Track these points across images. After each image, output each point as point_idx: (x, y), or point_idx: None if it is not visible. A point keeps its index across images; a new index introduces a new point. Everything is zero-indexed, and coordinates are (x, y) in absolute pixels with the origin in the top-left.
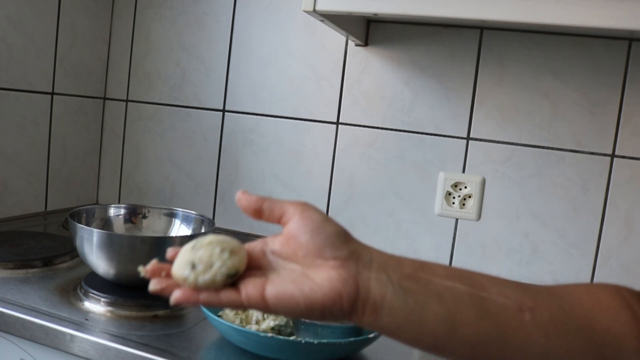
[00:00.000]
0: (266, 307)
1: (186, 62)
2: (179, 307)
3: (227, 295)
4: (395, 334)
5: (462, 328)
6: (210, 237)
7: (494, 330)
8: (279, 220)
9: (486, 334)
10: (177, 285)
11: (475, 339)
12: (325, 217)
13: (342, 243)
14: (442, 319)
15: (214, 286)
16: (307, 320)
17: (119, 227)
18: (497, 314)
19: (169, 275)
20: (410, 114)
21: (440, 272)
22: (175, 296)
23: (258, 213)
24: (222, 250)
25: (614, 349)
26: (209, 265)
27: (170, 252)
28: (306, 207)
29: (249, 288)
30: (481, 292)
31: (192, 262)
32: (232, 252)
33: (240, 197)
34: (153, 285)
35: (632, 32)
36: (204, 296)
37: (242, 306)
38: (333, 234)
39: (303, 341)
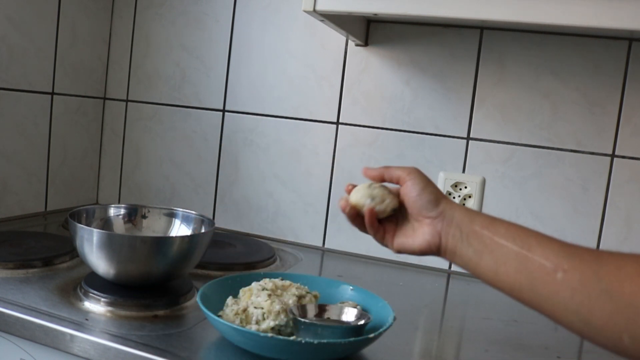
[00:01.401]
0: (391, 248)
1: (186, 62)
2: (181, 307)
3: (378, 231)
4: (465, 269)
5: (504, 276)
6: (379, 183)
7: (528, 282)
8: (397, 182)
9: (521, 284)
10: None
11: (512, 286)
12: (426, 184)
13: (434, 206)
14: (490, 268)
15: (381, 215)
16: (306, 321)
17: (119, 227)
18: (533, 271)
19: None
20: (410, 114)
21: (500, 232)
22: (365, 210)
23: (382, 180)
24: (390, 192)
25: (636, 310)
26: (383, 200)
27: (348, 187)
28: (413, 174)
29: (389, 234)
30: (527, 252)
31: (372, 195)
32: (394, 196)
33: (366, 172)
34: (344, 206)
35: (632, 32)
36: (372, 220)
37: (380, 241)
38: (427, 201)
39: (303, 341)
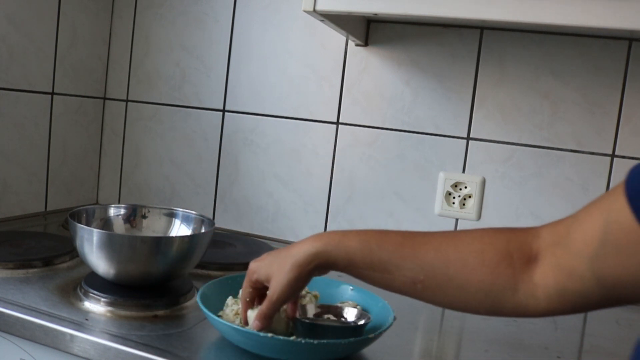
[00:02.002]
0: None
1: (186, 62)
2: (181, 307)
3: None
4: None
5: (384, 288)
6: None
7: (400, 293)
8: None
9: (396, 293)
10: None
11: (393, 292)
12: (288, 281)
13: (318, 272)
14: (371, 283)
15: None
16: (306, 320)
17: (119, 227)
18: (399, 287)
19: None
20: (410, 114)
21: (360, 264)
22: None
23: (257, 291)
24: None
25: (488, 294)
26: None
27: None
28: (275, 283)
29: None
30: (388, 275)
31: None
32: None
33: (244, 299)
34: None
35: (632, 32)
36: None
37: None
38: (307, 278)
39: (303, 341)
